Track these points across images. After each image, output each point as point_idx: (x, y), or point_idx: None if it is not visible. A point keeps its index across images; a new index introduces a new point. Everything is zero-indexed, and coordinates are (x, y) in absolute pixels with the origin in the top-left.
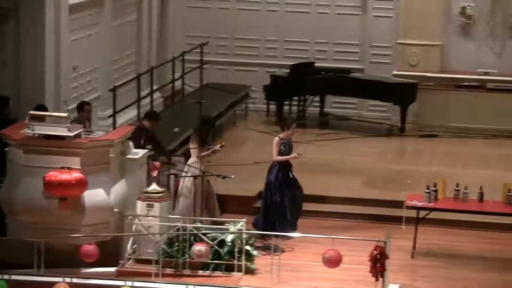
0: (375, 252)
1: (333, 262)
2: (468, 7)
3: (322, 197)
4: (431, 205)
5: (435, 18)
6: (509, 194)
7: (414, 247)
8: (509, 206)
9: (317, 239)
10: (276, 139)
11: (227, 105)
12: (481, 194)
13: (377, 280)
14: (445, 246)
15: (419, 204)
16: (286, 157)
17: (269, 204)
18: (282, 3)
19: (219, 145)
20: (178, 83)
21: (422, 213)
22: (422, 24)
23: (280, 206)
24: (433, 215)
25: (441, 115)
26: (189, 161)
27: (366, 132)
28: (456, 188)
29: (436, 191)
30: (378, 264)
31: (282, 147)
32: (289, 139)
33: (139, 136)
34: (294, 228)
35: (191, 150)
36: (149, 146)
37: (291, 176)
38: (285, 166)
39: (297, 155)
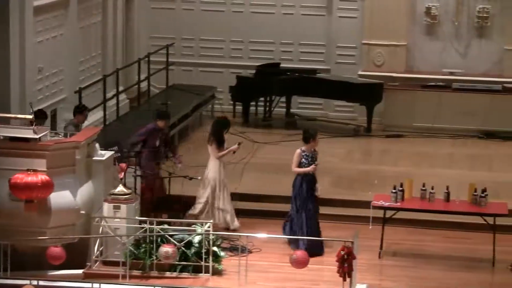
0: (342, 252)
1: (301, 262)
2: (433, 7)
3: (288, 197)
4: (398, 205)
5: (400, 18)
6: (475, 193)
7: (381, 247)
8: (475, 205)
9: (284, 240)
10: (298, 151)
11: (193, 106)
12: (448, 194)
13: (344, 280)
14: (412, 246)
15: (386, 204)
16: (303, 169)
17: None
18: (247, 4)
19: (237, 144)
20: (143, 85)
21: (389, 213)
22: (387, 24)
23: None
24: (400, 215)
25: (407, 115)
26: (209, 163)
27: (333, 133)
28: (423, 188)
29: (402, 191)
30: (345, 264)
31: (303, 159)
32: (312, 151)
33: (154, 137)
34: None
35: (210, 151)
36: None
37: (316, 193)
38: (309, 181)
39: (315, 166)
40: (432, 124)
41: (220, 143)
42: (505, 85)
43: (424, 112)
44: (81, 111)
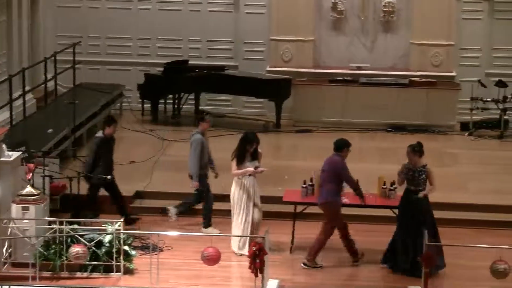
0: (254, 248)
1: (212, 259)
2: (339, 2)
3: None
4: (308, 199)
5: (307, 14)
6: (384, 186)
7: (292, 242)
8: (385, 198)
9: (196, 237)
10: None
11: (101, 105)
12: None
13: (256, 276)
14: None
15: (296, 199)
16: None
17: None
18: (154, 1)
19: (255, 167)
20: (50, 84)
21: (299, 208)
22: (294, 20)
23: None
24: (311, 209)
25: (315, 110)
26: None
27: (242, 129)
28: None
29: (312, 185)
30: (257, 260)
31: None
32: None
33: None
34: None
35: (232, 167)
36: None
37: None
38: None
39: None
40: (341, 118)
41: (240, 160)
42: (411, 78)
43: (333, 107)
44: (203, 118)
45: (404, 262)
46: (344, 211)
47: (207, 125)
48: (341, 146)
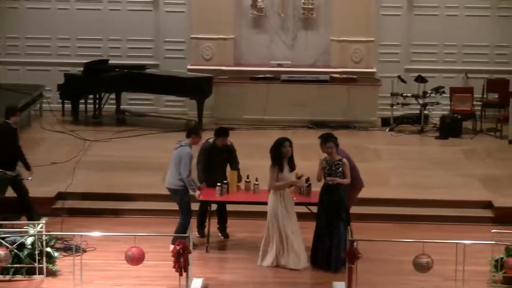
0: (177, 247)
1: (136, 259)
2: (259, 0)
3: (122, 194)
4: (224, 198)
5: (227, 12)
6: None
7: (208, 241)
8: (300, 195)
9: (119, 237)
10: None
11: (21, 106)
12: None
13: (181, 275)
14: (244, 238)
15: (212, 197)
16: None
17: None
18: (72, 1)
19: (299, 176)
20: None
21: (215, 206)
22: (215, 18)
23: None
24: (228, 207)
25: (237, 107)
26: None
27: (164, 128)
28: (247, 180)
29: (227, 183)
30: (181, 259)
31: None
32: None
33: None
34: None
35: (272, 179)
36: None
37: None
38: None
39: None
40: (263, 116)
41: (279, 168)
42: (332, 75)
43: (254, 104)
44: (197, 132)
45: (321, 257)
46: (256, 208)
47: (199, 140)
48: None
